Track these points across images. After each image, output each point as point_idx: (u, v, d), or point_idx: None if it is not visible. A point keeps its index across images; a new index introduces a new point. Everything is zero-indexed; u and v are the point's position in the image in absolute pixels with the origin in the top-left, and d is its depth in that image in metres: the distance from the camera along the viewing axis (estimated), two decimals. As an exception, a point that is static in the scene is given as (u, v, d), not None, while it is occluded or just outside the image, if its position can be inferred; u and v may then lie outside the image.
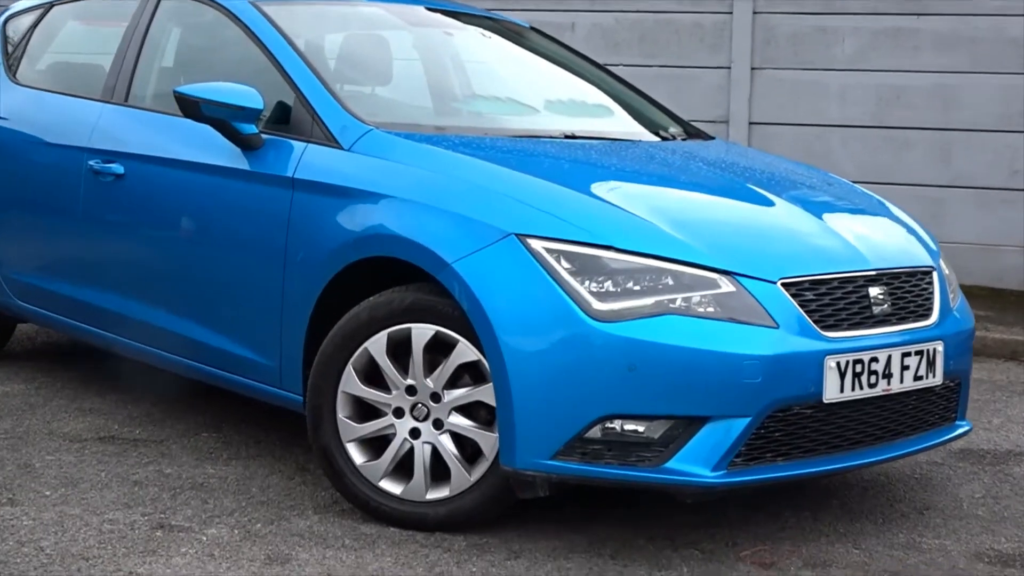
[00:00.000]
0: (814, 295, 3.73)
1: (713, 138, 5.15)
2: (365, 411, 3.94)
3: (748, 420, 3.58)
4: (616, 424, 3.59)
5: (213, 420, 4.94)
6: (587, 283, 3.60)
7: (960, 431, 4.24)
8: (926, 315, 4.02)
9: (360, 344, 3.89)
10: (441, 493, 3.86)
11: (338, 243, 3.98)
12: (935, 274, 4.15)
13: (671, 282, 3.62)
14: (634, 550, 3.80)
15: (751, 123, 8.90)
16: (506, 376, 3.60)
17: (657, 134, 4.91)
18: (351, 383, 3.91)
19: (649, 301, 3.59)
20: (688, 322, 3.58)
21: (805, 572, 3.69)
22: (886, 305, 3.88)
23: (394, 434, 3.89)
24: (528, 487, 3.72)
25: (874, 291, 3.86)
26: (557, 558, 3.72)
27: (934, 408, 4.08)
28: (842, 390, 3.72)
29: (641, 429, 3.60)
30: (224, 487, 4.20)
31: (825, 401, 3.70)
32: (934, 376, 3.97)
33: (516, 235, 3.68)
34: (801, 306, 3.68)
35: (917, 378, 3.91)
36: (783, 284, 3.68)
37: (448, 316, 3.78)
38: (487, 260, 3.69)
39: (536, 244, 3.66)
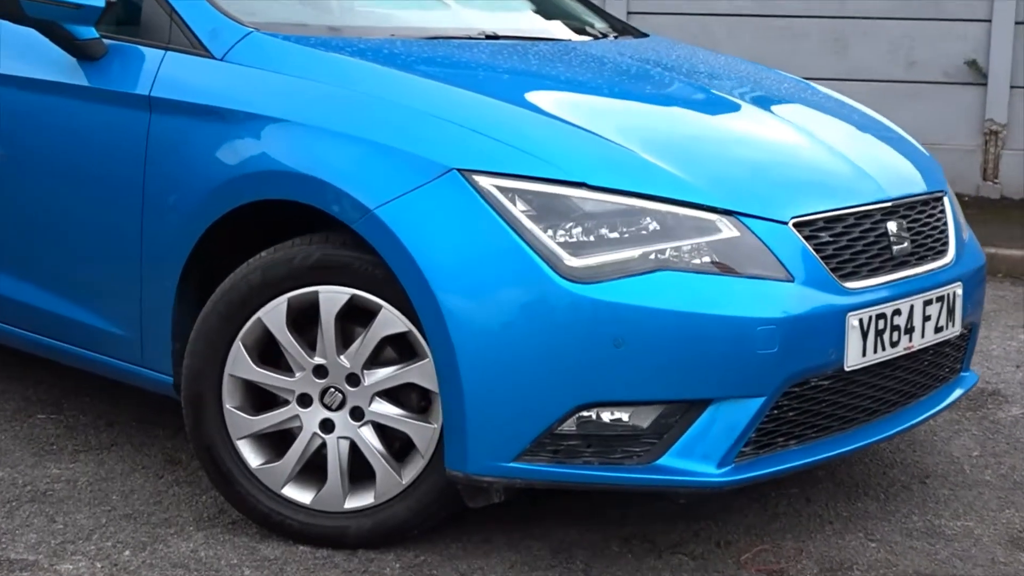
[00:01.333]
0: (830, 236, 2.98)
1: (647, 35, 4.32)
2: (261, 399, 3.08)
3: (762, 400, 2.83)
4: (593, 413, 2.80)
5: (49, 394, 4.00)
6: (553, 232, 2.77)
7: (970, 385, 3.57)
8: (943, 252, 3.31)
9: (251, 314, 3.00)
10: (363, 500, 3.03)
11: (215, 183, 3.06)
12: (946, 200, 3.44)
13: (659, 227, 2.81)
14: (609, 559, 3.03)
15: (629, 12, 8.11)
16: (453, 357, 2.77)
17: (584, 32, 4.07)
18: (241, 364, 3.02)
19: (634, 253, 2.78)
20: (686, 279, 2.78)
21: (824, 579, 2.99)
22: (906, 243, 3.15)
23: (300, 428, 3.03)
24: (481, 494, 2.92)
25: (892, 227, 3.12)
26: (519, 579, 2.93)
27: (945, 361, 3.40)
28: (864, 353, 2.99)
29: (626, 418, 2.81)
30: (75, 496, 3.29)
31: (847, 368, 2.96)
32: (953, 325, 3.27)
33: (459, 170, 2.82)
34: (816, 251, 2.92)
35: (938, 330, 3.20)
36: (795, 224, 2.91)
37: (367, 276, 2.92)
38: (421, 204, 2.82)
39: (485, 182, 2.81)
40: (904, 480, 3.57)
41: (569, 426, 2.79)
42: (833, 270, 2.93)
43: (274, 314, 2.98)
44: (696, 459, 2.82)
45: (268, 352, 3.04)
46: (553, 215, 2.78)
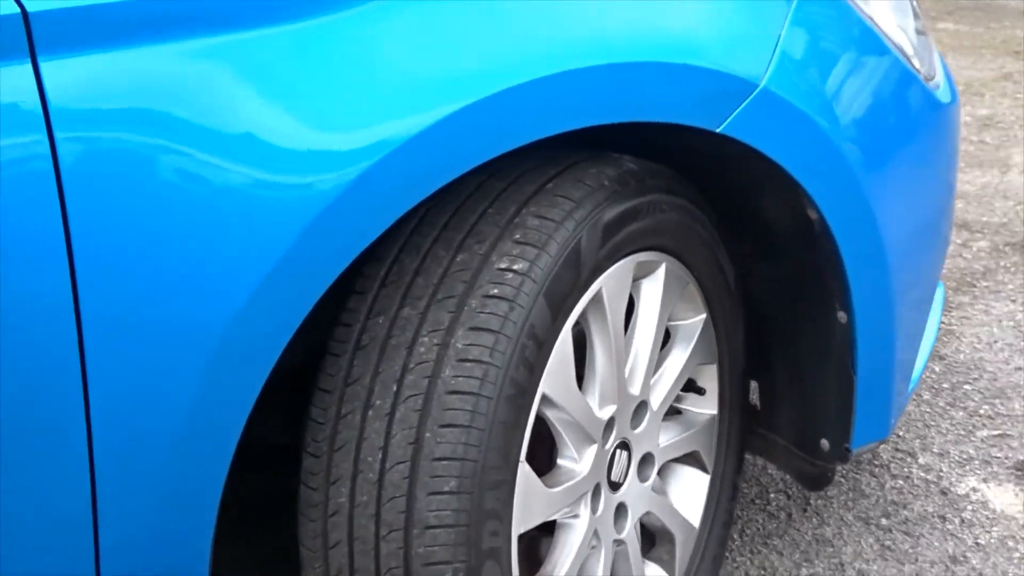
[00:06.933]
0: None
1: None
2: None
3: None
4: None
5: None
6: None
7: None
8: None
9: (535, 391, 1.39)
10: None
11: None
12: None
13: None
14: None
15: None
16: (882, 264, 1.66)
17: None
18: (536, 502, 1.42)
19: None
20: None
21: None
22: None
23: (597, 546, 1.57)
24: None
25: None
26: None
27: None
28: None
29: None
30: None
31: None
32: None
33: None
34: None
35: None
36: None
37: (665, 220, 1.55)
38: (804, 44, 1.54)
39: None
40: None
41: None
42: None
43: (560, 368, 1.42)
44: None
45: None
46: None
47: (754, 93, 1.45)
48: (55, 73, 1.09)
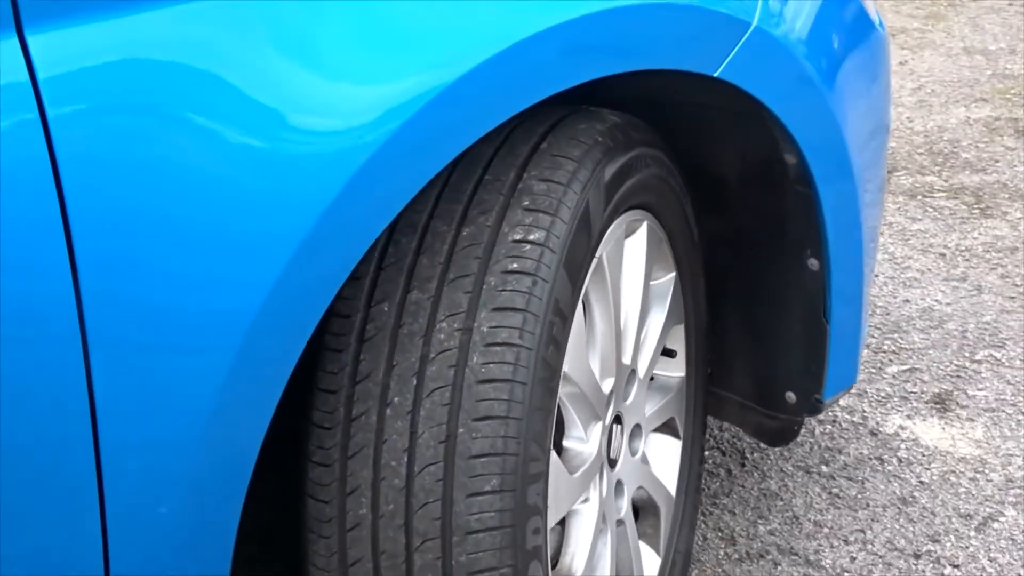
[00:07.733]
0: None
1: None
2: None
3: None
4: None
5: None
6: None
7: None
8: None
9: (561, 367, 1.28)
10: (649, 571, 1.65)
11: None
12: None
13: None
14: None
15: None
16: (853, 202, 1.61)
17: None
18: (564, 487, 1.31)
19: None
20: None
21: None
22: None
23: (603, 529, 1.48)
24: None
25: None
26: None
27: None
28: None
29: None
30: None
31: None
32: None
33: None
34: None
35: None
36: None
37: (652, 174, 1.47)
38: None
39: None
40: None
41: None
42: None
43: (577, 342, 1.32)
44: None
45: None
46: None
47: (748, 33, 1.36)
48: (44, 46, 0.92)
